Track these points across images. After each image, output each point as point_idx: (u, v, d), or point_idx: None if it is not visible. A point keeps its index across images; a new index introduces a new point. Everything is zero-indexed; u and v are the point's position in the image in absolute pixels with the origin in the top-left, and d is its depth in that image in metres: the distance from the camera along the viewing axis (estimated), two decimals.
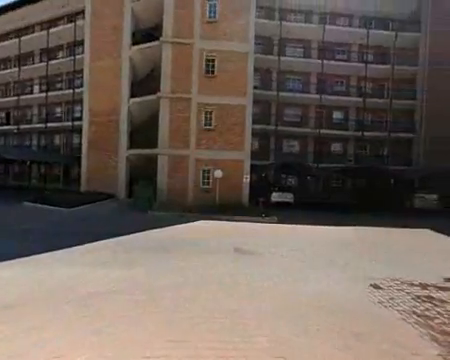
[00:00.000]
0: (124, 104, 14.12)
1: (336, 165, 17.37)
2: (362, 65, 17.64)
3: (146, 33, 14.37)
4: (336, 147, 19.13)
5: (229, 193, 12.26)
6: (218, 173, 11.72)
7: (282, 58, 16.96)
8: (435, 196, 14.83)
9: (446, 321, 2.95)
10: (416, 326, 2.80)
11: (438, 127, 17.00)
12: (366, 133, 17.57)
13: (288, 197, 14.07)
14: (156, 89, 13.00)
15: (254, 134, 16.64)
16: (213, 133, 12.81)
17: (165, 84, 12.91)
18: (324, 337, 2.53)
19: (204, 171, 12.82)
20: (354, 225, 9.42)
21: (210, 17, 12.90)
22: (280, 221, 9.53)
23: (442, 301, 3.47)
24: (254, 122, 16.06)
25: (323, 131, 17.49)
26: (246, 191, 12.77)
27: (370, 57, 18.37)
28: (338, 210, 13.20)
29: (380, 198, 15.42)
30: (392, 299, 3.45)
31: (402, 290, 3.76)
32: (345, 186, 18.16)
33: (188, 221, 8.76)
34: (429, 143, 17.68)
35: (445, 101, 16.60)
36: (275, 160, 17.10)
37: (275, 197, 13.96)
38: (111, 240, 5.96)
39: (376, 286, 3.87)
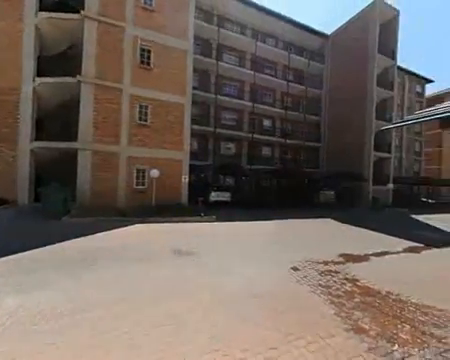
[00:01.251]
0: (27, 83, 11.03)
1: (266, 167, 19.74)
2: (285, 82, 20.78)
3: (60, 1, 11.76)
4: (266, 151, 21.70)
5: (167, 194, 11.74)
6: (154, 173, 11.01)
7: (220, 63, 17.72)
8: (332, 192, 19.26)
9: (339, 287, 3.88)
10: (321, 295, 3.55)
11: (335, 139, 22.23)
12: (288, 140, 20.83)
13: (226, 196, 14.84)
14: (75, 71, 10.85)
15: (193, 135, 16.64)
16: (149, 130, 11.90)
17: (88, 67, 10.96)
18: (255, 320, 2.83)
19: (139, 170, 11.73)
20: (279, 219, 10.97)
21: (146, 3, 11.95)
22: (218, 219, 9.94)
23: (337, 272, 4.55)
24: (194, 123, 16.06)
25: (255, 136, 19.46)
26: (185, 191, 12.58)
27: (291, 77, 21.88)
28: (267, 207, 15.02)
29: (298, 195, 18.62)
30: (305, 277, 4.24)
31: (312, 268, 4.69)
32: (273, 185, 20.84)
33: (119, 226, 7.80)
34: (329, 151, 22.85)
35: (339, 119, 21.85)
36: (214, 161, 17.68)
37: (214, 196, 14.42)
38: (4, 259, 4.55)
39: (295, 268, 4.66)
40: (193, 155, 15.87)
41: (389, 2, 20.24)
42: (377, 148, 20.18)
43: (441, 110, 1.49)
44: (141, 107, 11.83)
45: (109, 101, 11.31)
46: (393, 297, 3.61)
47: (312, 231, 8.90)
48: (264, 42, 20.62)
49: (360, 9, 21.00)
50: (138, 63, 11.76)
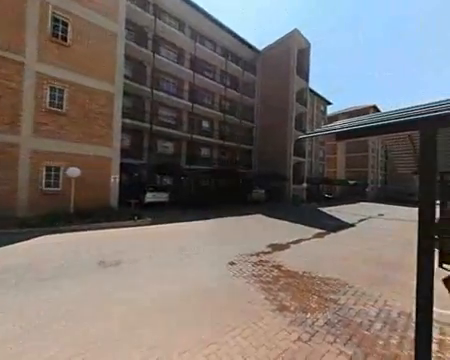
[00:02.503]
0: None
1: (205, 167, 20.11)
2: (223, 87, 21.83)
3: None
4: (205, 151, 22.08)
5: (92, 196, 10.02)
6: (73, 171, 9.16)
7: (158, 56, 16.68)
8: (263, 191, 21.78)
9: (268, 274, 4.43)
10: (254, 284, 3.95)
11: (265, 143, 25.20)
12: (226, 142, 21.98)
13: (163, 197, 14.11)
14: None
15: (126, 130, 14.95)
16: (65, 119, 9.78)
17: None
18: (194, 321, 2.84)
19: (49, 168, 9.44)
20: (216, 218, 11.42)
21: None
22: (155, 222, 9.34)
23: (267, 261, 5.17)
24: (126, 116, 14.43)
25: (195, 136, 19.47)
26: (115, 193, 11.10)
27: (228, 82, 23.18)
28: (205, 206, 15.32)
29: (234, 194, 19.97)
30: (241, 270, 4.60)
31: (246, 261, 5.13)
32: (211, 185, 21.45)
33: (19, 240, 6.04)
34: (260, 154, 25.70)
35: (268, 126, 24.93)
36: (149, 160, 16.46)
37: (149, 197, 13.42)
38: None
39: (232, 263, 4.97)
40: (125, 152, 14.27)
41: (304, 34, 24.77)
42: (296, 153, 24.27)
43: (337, 126, 1.98)
44: (53, 90, 9.59)
45: (5, 77, 8.61)
46: (307, 275, 4.45)
47: (246, 227, 9.74)
48: (203, 44, 20.93)
49: (284, 34, 24.70)
50: (49, 35, 9.48)
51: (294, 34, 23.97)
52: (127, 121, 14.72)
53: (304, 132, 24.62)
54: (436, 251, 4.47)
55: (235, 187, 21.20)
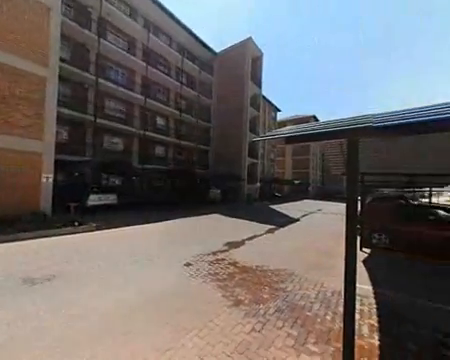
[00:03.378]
0: None
1: (160, 167, 19.11)
2: (179, 84, 21.22)
3: None
4: (160, 150, 20.99)
5: (14, 200, 8.17)
6: None
7: (103, 41, 14.89)
8: (219, 191, 22.23)
9: (225, 272, 4.55)
10: (210, 283, 3.98)
11: (221, 144, 25.76)
12: (182, 141, 21.44)
13: (110, 199, 12.69)
14: None
15: (63, 121, 12.83)
16: None
17: None
18: (148, 329, 2.67)
19: None
20: (172, 219, 11.03)
21: None
22: (101, 227, 8.31)
23: (223, 259, 5.29)
24: (63, 105, 12.40)
25: (148, 133, 18.28)
26: (47, 195, 9.33)
27: (184, 80, 22.68)
28: (161, 208, 14.60)
29: (191, 194, 19.69)
30: (198, 270, 4.57)
31: (203, 261, 5.14)
32: (167, 185, 20.56)
33: None
34: (216, 154, 26.14)
35: (224, 127, 25.58)
36: (94, 156, 14.54)
37: (93, 200, 11.83)
38: None
39: (188, 264, 4.88)
40: (63, 148, 12.25)
41: (258, 43, 26.46)
42: (250, 155, 25.71)
43: (286, 131, 2.21)
44: None
45: None
46: (260, 269, 4.76)
47: (202, 227, 9.74)
48: (157, 37, 19.84)
49: (239, 41, 25.82)
50: None
51: (249, 42, 25.33)
52: (65, 111, 12.67)
53: (257, 135, 26.33)
54: (358, 238, 5.47)
55: (192, 187, 20.97)
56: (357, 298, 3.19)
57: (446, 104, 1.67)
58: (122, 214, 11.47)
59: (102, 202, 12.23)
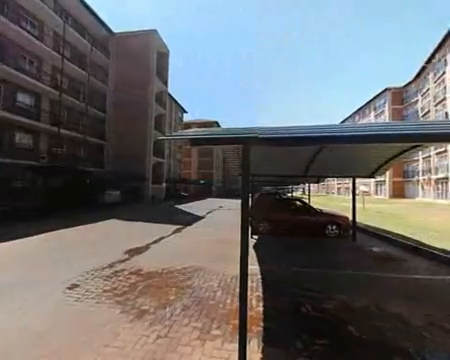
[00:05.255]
0: None
1: (25, 162, 13.86)
2: (59, 56, 16.41)
3: None
4: (23, 139, 15.24)
5: None
6: None
7: None
8: (118, 192, 19.40)
9: (125, 284, 4.02)
10: (106, 301, 3.40)
11: (121, 140, 22.54)
12: (63, 131, 16.68)
13: None
14: None
15: None
16: None
17: None
18: None
19: None
20: (52, 230, 8.37)
21: None
22: None
23: (122, 270, 4.66)
24: None
25: (2, 114, 12.77)
26: None
27: (68, 53, 17.84)
28: (28, 215, 10.64)
29: (77, 197, 15.77)
30: (88, 291, 3.75)
31: (95, 277, 4.28)
32: (38, 187, 15.27)
33: None
34: (115, 151, 22.61)
35: (126, 121, 22.58)
36: None
37: None
38: None
39: (74, 285, 3.90)
40: None
41: (165, 40, 25.53)
42: (156, 154, 24.35)
43: (191, 133, 2.29)
44: None
45: None
46: (166, 271, 4.63)
47: (96, 236, 8.13)
48: None
49: (143, 29, 23.77)
50: None
51: (154, 35, 23.95)
52: None
53: (163, 134, 25.48)
54: (249, 228, 6.59)
55: (80, 189, 16.90)
56: (249, 277, 3.86)
57: (305, 126, 2.38)
58: None
59: None
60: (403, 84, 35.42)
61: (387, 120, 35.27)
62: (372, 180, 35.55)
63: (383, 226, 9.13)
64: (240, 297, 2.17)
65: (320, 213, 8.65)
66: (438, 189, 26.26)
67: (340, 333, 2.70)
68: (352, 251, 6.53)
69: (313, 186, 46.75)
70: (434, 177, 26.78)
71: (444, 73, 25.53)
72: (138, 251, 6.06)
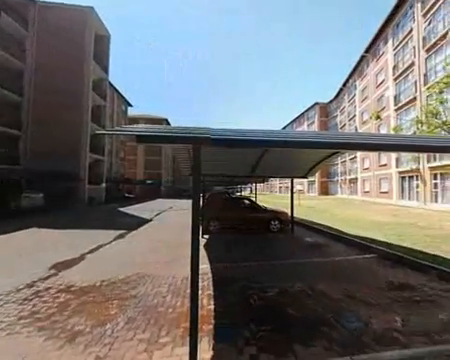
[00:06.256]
0: None
1: None
2: None
3: None
4: None
5: None
6: None
7: None
8: (41, 195, 15.97)
9: (51, 304, 3.34)
10: (23, 330, 2.74)
11: (45, 132, 18.59)
12: None
13: None
14: None
15: None
16: None
17: None
18: None
19: None
20: None
21: None
22: None
23: (48, 289, 3.86)
24: None
25: None
26: None
27: None
28: None
29: None
30: None
31: (8, 302, 3.40)
32: None
33: None
34: (36, 146, 18.47)
35: (51, 110, 18.75)
36: None
37: None
38: None
39: None
40: None
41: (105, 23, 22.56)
42: (94, 150, 21.25)
43: (138, 129, 2.09)
44: None
45: None
46: (106, 283, 4.10)
47: (7, 251, 6.45)
48: None
49: (77, 4, 20.39)
50: None
51: (91, 13, 20.88)
52: None
53: (103, 128, 22.55)
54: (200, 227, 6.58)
55: None
56: (200, 277, 3.85)
57: (254, 130, 2.54)
58: None
59: None
60: (328, 101, 42.73)
61: (316, 129, 41.79)
62: (305, 180, 41.45)
63: (314, 219, 10.77)
64: (191, 298, 2.14)
65: (265, 210, 9.47)
66: (351, 187, 32.87)
67: (281, 316, 3.02)
68: (291, 242, 7.42)
69: (259, 185, 50.74)
70: (348, 177, 33.37)
71: (355, 95, 32.19)
72: (68, 264, 5.16)
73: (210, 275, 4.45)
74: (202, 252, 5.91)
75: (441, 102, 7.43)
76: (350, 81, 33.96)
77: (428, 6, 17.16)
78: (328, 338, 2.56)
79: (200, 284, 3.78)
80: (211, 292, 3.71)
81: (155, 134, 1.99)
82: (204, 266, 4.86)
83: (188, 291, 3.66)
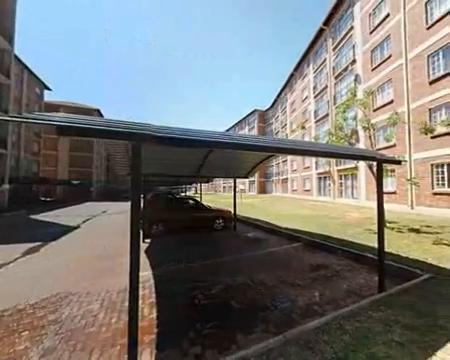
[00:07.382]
0: None
1: None
2: None
3: None
4: None
5: None
6: None
7: None
8: None
9: None
10: None
11: None
12: None
13: None
14: None
15: None
16: None
17: None
18: None
19: None
20: None
21: None
22: None
23: None
24: None
25: None
26: None
27: None
28: None
29: None
30: None
31: None
32: None
33: None
34: None
35: None
36: None
37: None
38: None
39: None
40: None
41: None
42: None
43: (58, 118, 1.70)
44: None
45: None
46: (9, 312, 3.20)
47: None
48: None
49: None
50: None
51: None
52: None
53: (5, 113, 17.62)
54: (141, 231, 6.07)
55: None
56: (140, 285, 3.54)
57: (199, 130, 2.51)
58: None
59: None
60: (265, 108, 47.55)
61: (256, 134, 45.83)
62: (247, 180, 44.76)
63: (254, 216, 11.76)
64: (129, 310, 1.94)
65: (209, 209, 9.63)
66: (283, 186, 37.71)
67: (225, 310, 3.15)
68: (234, 239, 7.84)
69: (204, 185, 51.18)
70: (281, 178, 38.17)
71: (286, 107, 37.13)
72: None
73: (152, 282, 4.17)
74: (143, 258, 5.45)
75: (344, 119, 9.53)
76: (282, 94, 38.94)
77: (336, 42, 21.70)
78: (266, 321, 2.85)
79: (140, 293, 3.48)
80: (153, 300, 3.48)
81: (82, 126, 1.68)
82: (145, 273, 4.51)
83: (125, 304, 3.30)
